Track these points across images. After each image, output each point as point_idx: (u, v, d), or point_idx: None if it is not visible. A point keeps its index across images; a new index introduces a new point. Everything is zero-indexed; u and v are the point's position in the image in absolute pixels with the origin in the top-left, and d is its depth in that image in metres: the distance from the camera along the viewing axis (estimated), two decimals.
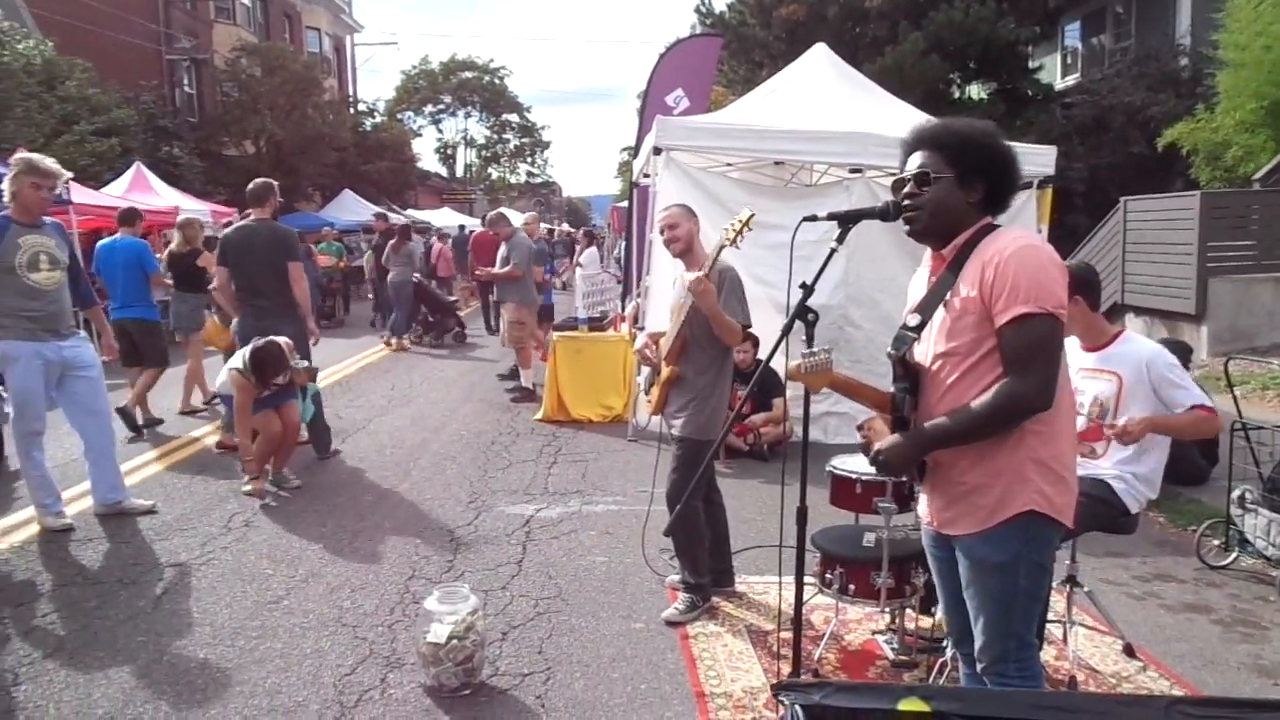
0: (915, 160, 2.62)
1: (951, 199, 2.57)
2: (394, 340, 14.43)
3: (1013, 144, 2.68)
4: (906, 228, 2.65)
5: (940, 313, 2.58)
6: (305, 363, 6.71)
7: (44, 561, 5.32)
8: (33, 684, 3.88)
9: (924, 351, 2.64)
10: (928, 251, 2.72)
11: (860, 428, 2.75)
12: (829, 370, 2.69)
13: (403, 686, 3.90)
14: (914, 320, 2.63)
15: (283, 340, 6.51)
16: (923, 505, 2.81)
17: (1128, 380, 3.89)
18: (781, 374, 2.96)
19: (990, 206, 2.60)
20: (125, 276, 8.58)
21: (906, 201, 2.62)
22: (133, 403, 8.50)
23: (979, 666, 2.66)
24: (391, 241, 15.21)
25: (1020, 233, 2.55)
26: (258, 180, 7.53)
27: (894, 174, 9.07)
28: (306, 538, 5.72)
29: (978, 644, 2.66)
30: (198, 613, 4.62)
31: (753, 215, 4.17)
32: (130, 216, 9.14)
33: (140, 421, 8.48)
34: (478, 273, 11.07)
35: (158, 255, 9.98)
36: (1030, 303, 2.38)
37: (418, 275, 15.64)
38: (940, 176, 2.56)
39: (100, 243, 9.17)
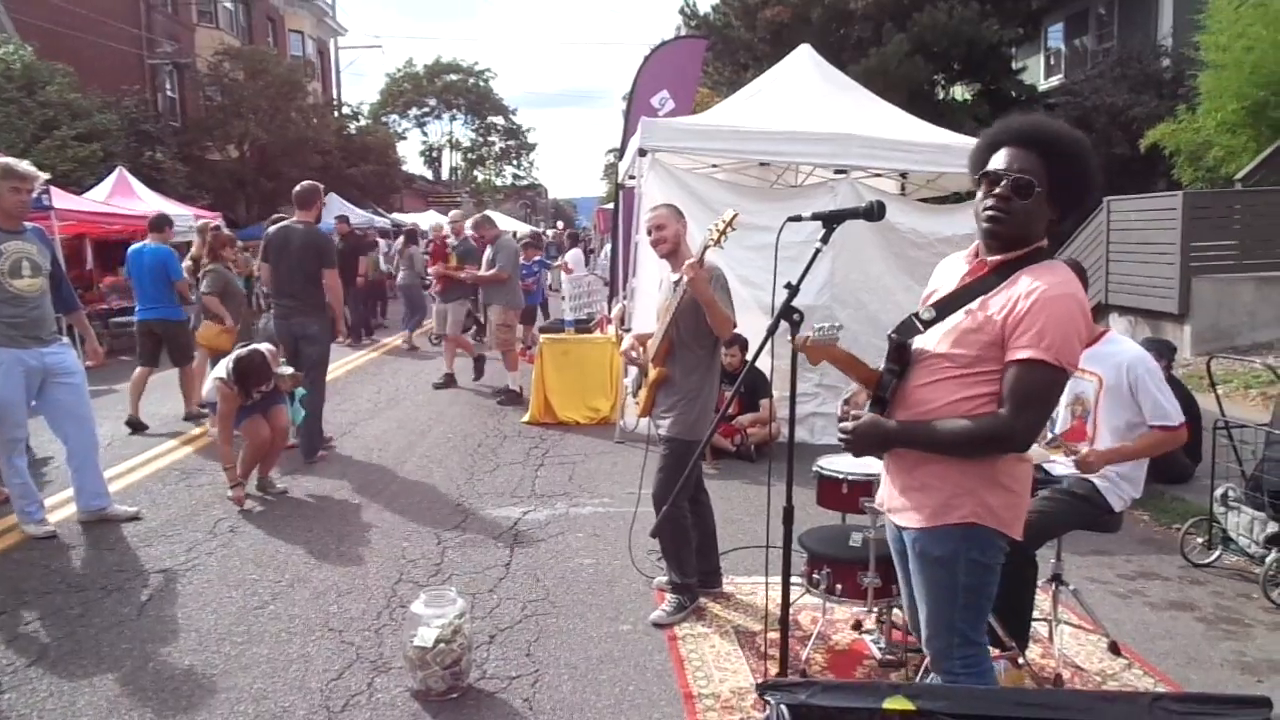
0: (1018, 158, 2.46)
1: (1038, 215, 2.47)
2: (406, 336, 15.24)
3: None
4: (985, 225, 2.52)
5: (959, 316, 2.53)
6: (289, 369, 6.68)
7: (27, 569, 5.27)
8: (15, 693, 3.85)
9: (926, 340, 2.60)
10: (972, 246, 2.65)
11: (847, 402, 2.75)
12: (833, 346, 2.66)
13: (390, 691, 3.88)
14: (929, 315, 2.59)
15: (266, 349, 6.48)
16: (880, 491, 2.83)
17: (1108, 381, 3.92)
18: (768, 373, 2.96)
19: (1052, 228, 2.52)
20: (152, 280, 8.92)
21: (995, 203, 2.48)
22: (192, 403, 9.13)
23: (927, 660, 2.68)
24: (398, 246, 15.99)
25: (1066, 275, 2.46)
26: (305, 183, 7.84)
27: (879, 174, 9.03)
28: (292, 542, 5.70)
29: (923, 636, 2.68)
30: (183, 619, 4.59)
31: (736, 215, 4.17)
32: (160, 223, 9.51)
33: (185, 414, 9.23)
34: (464, 275, 11.01)
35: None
36: (1048, 352, 2.36)
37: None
38: (1038, 189, 2.44)
39: (131, 247, 9.51)
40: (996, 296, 2.46)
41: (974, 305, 2.50)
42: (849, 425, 2.55)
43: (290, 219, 7.82)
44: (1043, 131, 2.48)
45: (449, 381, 11.20)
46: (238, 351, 6.44)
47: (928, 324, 2.58)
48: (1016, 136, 2.49)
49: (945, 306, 2.57)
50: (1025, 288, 2.41)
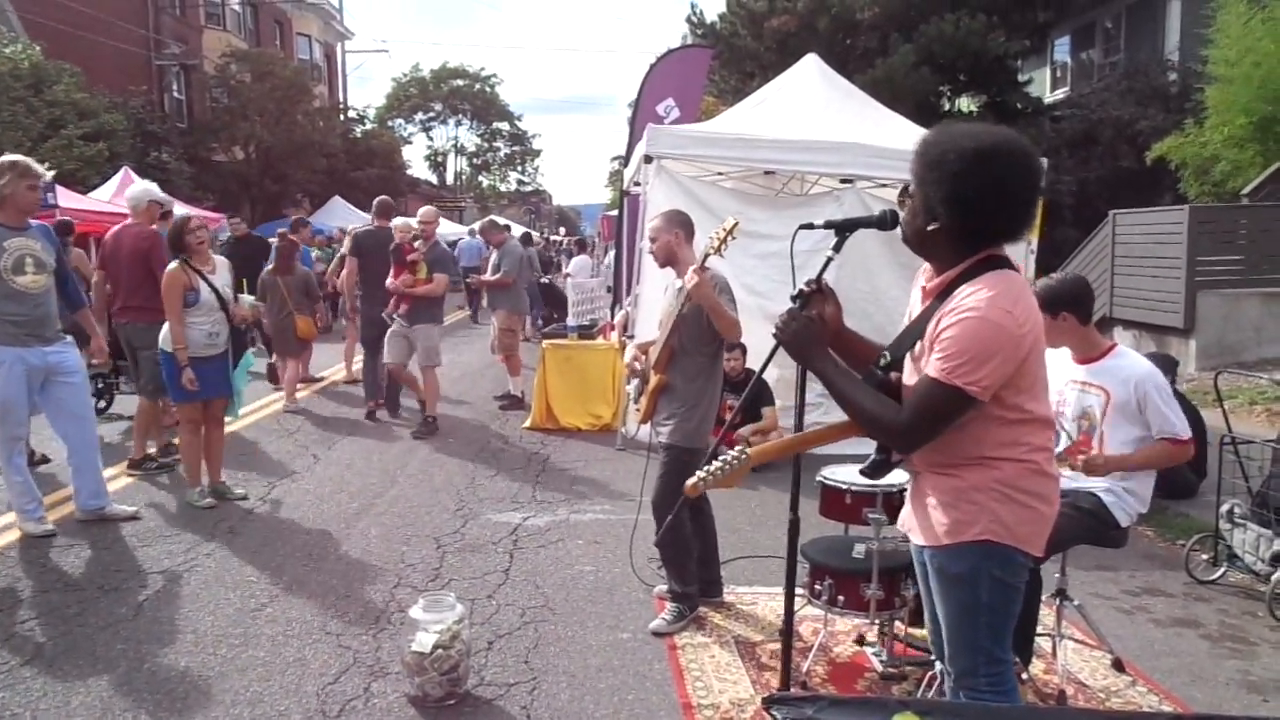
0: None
1: (912, 225, 2.47)
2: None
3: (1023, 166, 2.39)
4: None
5: (914, 350, 2.52)
6: (250, 298, 6.69)
7: (24, 567, 5.25)
8: (9, 692, 3.83)
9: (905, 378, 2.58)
10: (923, 270, 2.62)
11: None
12: (744, 468, 2.60)
13: (386, 696, 3.85)
14: (884, 362, 2.54)
15: (222, 260, 6.58)
16: (902, 511, 2.80)
17: (1115, 397, 3.88)
18: (772, 382, 2.93)
19: (973, 239, 2.40)
20: None
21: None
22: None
23: (950, 679, 2.64)
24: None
25: (994, 290, 2.32)
26: (382, 197, 9.94)
27: (884, 184, 9.01)
28: (291, 545, 5.67)
29: (947, 655, 2.64)
30: (180, 620, 4.57)
31: (736, 224, 4.13)
32: (296, 226, 12.29)
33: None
34: (469, 280, 11.06)
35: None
36: (942, 371, 2.31)
37: (548, 277, 17.97)
38: (910, 198, 2.46)
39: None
40: (931, 323, 2.43)
41: (919, 341, 2.49)
42: (789, 323, 2.51)
43: (372, 225, 9.63)
44: (918, 144, 2.49)
45: (431, 428, 8.80)
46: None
47: (886, 368, 2.53)
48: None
49: (897, 348, 2.55)
50: (951, 305, 2.37)
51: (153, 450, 7.45)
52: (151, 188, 7.87)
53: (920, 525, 2.61)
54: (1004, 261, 2.44)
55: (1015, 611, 2.58)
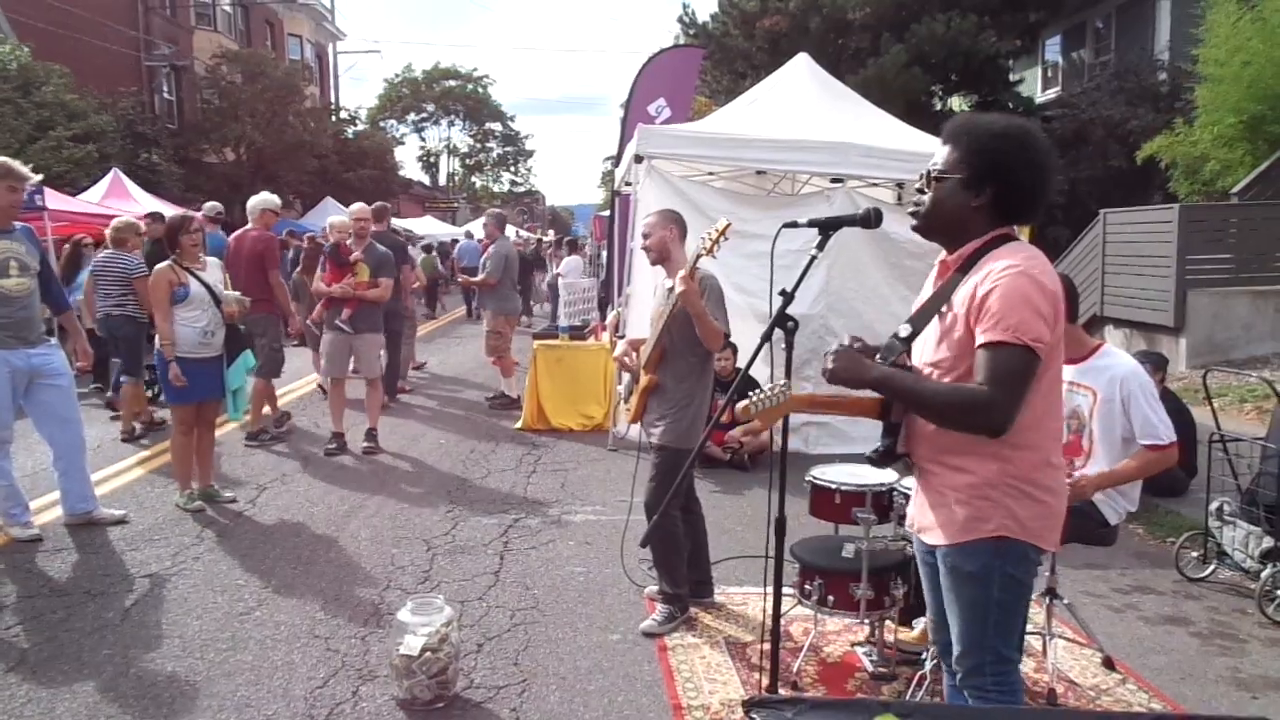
0: (940, 154, 2.54)
1: (952, 201, 2.50)
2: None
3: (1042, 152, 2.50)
4: (911, 223, 2.61)
5: (935, 322, 2.52)
6: (236, 294, 6.65)
7: (10, 572, 5.21)
8: None
9: (918, 355, 2.59)
10: (939, 255, 2.63)
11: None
12: (787, 403, 2.58)
13: (375, 699, 3.83)
14: (905, 331, 2.56)
15: (214, 261, 6.64)
16: (910, 510, 2.78)
17: (1102, 396, 3.89)
18: (763, 382, 2.92)
19: (1006, 215, 2.50)
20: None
21: (916, 195, 2.57)
22: None
23: (956, 677, 2.63)
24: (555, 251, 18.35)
25: (1023, 254, 2.42)
26: (379, 204, 9.95)
27: (875, 184, 8.98)
28: (279, 548, 5.64)
29: (955, 653, 2.62)
30: (167, 624, 4.54)
31: (729, 224, 4.13)
32: None
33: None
34: (459, 280, 11.07)
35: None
36: (1006, 331, 2.32)
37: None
38: (947, 176, 2.49)
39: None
40: (960, 291, 2.45)
41: (943, 309, 2.50)
42: (830, 355, 2.53)
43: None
44: (960, 124, 2.55)
45: (341, 445, 8.11)
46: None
47: (907, 339, 2.55)
48: (943, 134, 2.58)
49: (918, 319, 2.56)
50: (983, 274, 2.41)
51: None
52: (271, 198, 8.73)
53: (931, 523, 2.59)
54: (1015, 238, 2.52)
55: (1024, 610, 2.57)
